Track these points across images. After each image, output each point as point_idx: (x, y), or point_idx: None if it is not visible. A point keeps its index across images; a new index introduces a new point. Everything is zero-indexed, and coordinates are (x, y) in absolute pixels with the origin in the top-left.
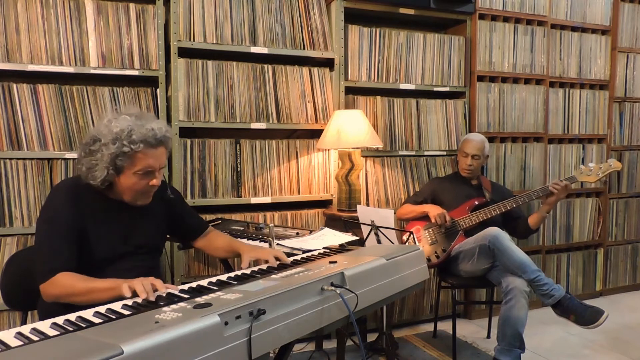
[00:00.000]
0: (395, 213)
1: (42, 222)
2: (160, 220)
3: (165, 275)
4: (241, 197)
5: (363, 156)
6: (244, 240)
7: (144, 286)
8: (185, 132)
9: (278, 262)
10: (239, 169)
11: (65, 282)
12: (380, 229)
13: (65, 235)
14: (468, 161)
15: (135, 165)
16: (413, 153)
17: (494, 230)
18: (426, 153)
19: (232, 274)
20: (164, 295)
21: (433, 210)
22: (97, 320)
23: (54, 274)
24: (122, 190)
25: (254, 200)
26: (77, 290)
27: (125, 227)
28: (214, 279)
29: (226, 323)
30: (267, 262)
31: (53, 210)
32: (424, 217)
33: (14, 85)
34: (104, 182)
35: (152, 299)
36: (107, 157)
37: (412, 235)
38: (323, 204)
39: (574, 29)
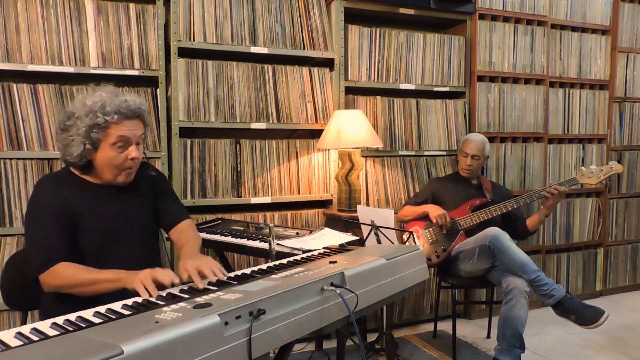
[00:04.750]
0: (395, 214)
1: (30, 216)
2: (147, 200)
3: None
4: (241, 197)
5: (363, 156)
6: (243, 241)
7: (145, 283)
8: (185, 132)
9: (216, 278)
10: (239, 169)
11: (67, 273)
12: (380, 229)
13: (56, 224)
14: (468, 161)
15: (110, 137)
16: (413, 153)
17: (494, 230)
18: (426, 153)
19: (232, 274)
20: (164, 295)
21: (433, 211)
22: (97, 320)
23: (52, 263)
24: (102, 167)
25: (254, 200)
26: (80, 281)
27: (112, 209)
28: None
29: (226, 323)
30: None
31: (39, 203)
32: (425, 217)
33: (14, 85)
34: (82, 159)
35: (154, 298)
36: (82, 131)
37: (412, 235)
38: (323, 204)
39: (574, 29)
